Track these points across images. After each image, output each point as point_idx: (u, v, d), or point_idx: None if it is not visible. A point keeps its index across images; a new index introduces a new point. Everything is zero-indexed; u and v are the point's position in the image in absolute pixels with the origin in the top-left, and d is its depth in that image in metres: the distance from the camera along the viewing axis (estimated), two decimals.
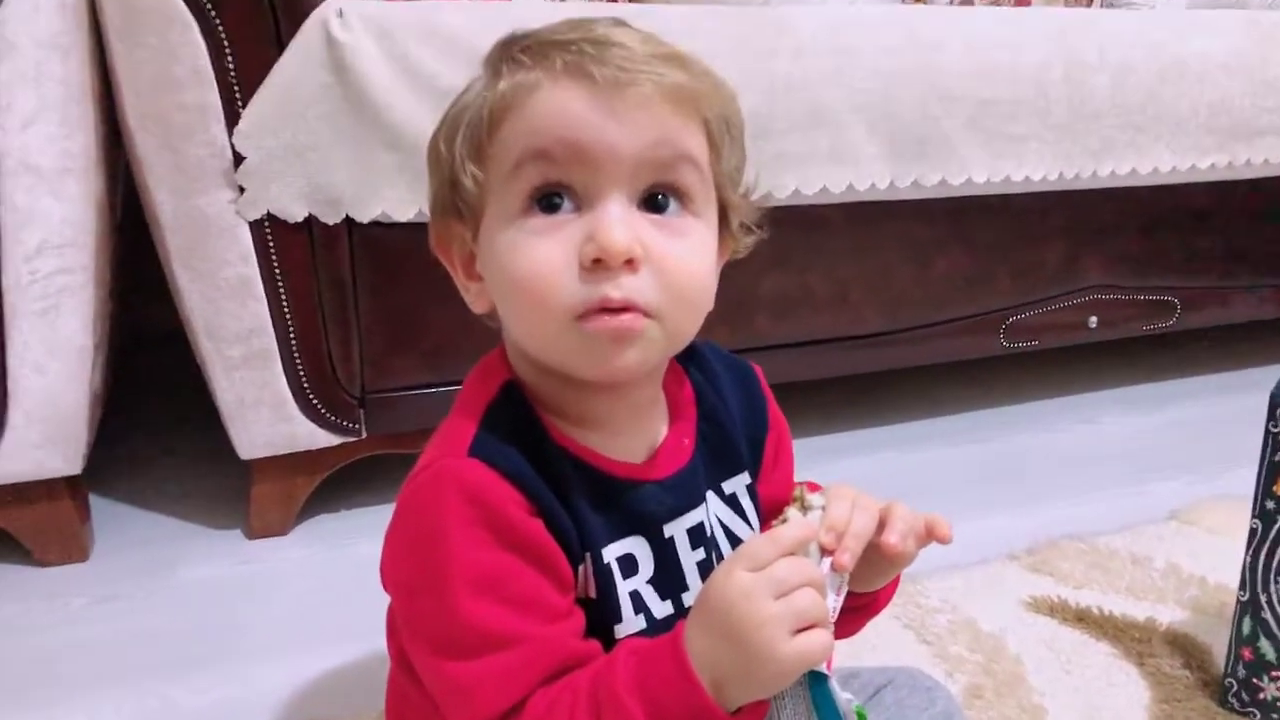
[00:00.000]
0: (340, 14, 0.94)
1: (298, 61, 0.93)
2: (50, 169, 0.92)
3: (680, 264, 0.50)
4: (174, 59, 0.90)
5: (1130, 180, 1.33)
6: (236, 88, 0.93)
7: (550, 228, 0.49)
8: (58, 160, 0.92)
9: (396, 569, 0.54)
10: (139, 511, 1.14)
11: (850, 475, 1.25)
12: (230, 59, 0.92)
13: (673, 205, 0.51)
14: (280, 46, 0.94)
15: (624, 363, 0.50)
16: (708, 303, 0.54)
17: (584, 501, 0.53)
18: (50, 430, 0.97)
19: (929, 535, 0.54)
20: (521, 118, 0.49)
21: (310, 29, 0.93)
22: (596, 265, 0.48)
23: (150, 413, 1.41)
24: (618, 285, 0.48)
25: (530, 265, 0.49)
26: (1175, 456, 1.27)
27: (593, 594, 0.53)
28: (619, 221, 0.48)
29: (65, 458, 1.00)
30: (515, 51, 0.50)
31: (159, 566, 1.03)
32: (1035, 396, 1.50)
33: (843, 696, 0.49)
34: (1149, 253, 1.44)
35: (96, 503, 1.11)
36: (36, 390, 0.95)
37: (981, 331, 1.36)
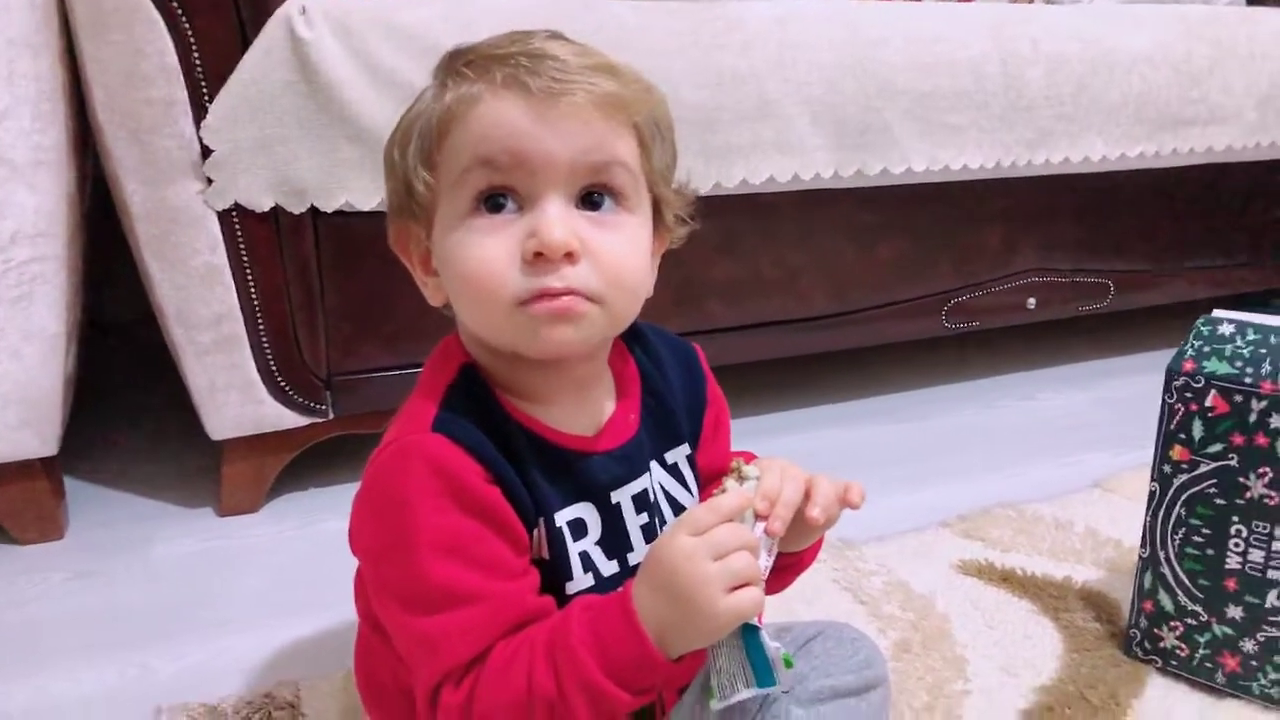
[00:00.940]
0: (303, 11, 0.98)
1: (262, 58, 0.97)
2: (24, 162, 0.95)
3: (615, 254, 0.55)
4: (141, 55, 0.94)
5: (1064, 168, 1.40)
6: (203, 83, 0.96)
7: (496, 226, 0.54)
8: (31, 154, 0.95)
9: (365, 535, 0.58)
10: (112, 492, 1.18)
11: (799, 450, 1.30)
12: (197, 55, 0.95)
13: (607, 203, 0.56)
14: (245, 43, 0.97)
15: (565, 338, 0.55)
16: (645, 289, 0.59)
17: (538, 471, 0.58)
18: (26, 413, 1.01)
19: (844, 501, 0.59)
20: (466, 128, 0.54)
21: (274, 26, 0.97)
22: (538, 259, 0.53)
23: (120, 396, 1.45)
24: (559, 276, 0.53)
25: (478, 260, 0.54)
26: (1105, 430, 1.34)
27: (546, 555, 0.58)
28: (557, 220, 0.53)
29: (41, 439, 1.03)
30: (459, 65, 0.55)
31: (134, 543, 1.07)
32: (976, 375, 1.57)
33: (771, 645, 0.55)
34: (1084, 237, 1.52)
35: (71, 484, 1.15)
36: (12, 375, 0.99)
37: (924, 313, 1.42)
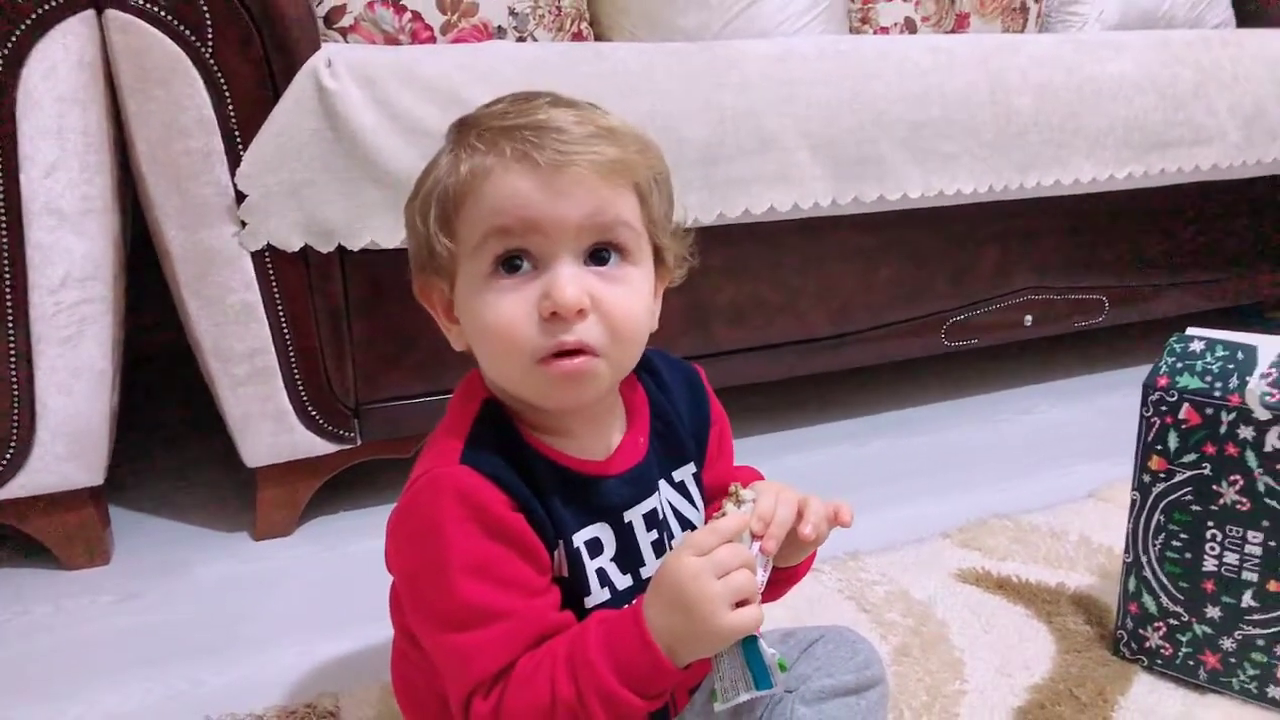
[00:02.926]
0: (329, 64, 1.05)
1: (291, 108, 1.04)
2: (72, 211, 1.02)
3: (621, 307, 0.61)
4: (180, 109, 1.01)
5: (1055, 190, 1.46)
6: (237, 133, 1.03)
7: (514, 286, 0.60)
8: (79, 203, 1.02)
9: (401, 559, 0.64)
10: (154, 519, 1.24)
11: (805, 467, 1.36)
12: (231, 108, 1.02)
13: (613, 259, 0.61)
14: (276, 95, 1.04)
15: (578, 398, 0.62)
16: (645, 333, 0.65)
17: (556, 496, 0.64)
18: (74, 445, 1.07)
19: (835, 520, 0.65)
20: (482, 199, 0.60)
21: (302, 78, 1.04)
22: (554, 317, 0.59)
23: (159, 427, 1.51)
24: (571, 331, 0.59)
25: (498, 318, 0.60)
26: (1101, 442, 1.39)
27: (566, 573, 0.64)
28: (570, 281, 0.59)
29: (88, 470, 1.10)
30: (471, 138, 0.61)
31: (175, 566, 1.13)
32: (975, 391, 1.62)
33: (768, 651, 0.60)
34: (1077, 256, 1.57)
35: (115, 511, 1.21)
36: (61, 409, 1.05)
37: (924, 333, 1.48)
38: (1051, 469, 1.33)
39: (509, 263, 0.60)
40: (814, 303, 1.39)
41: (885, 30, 1.74)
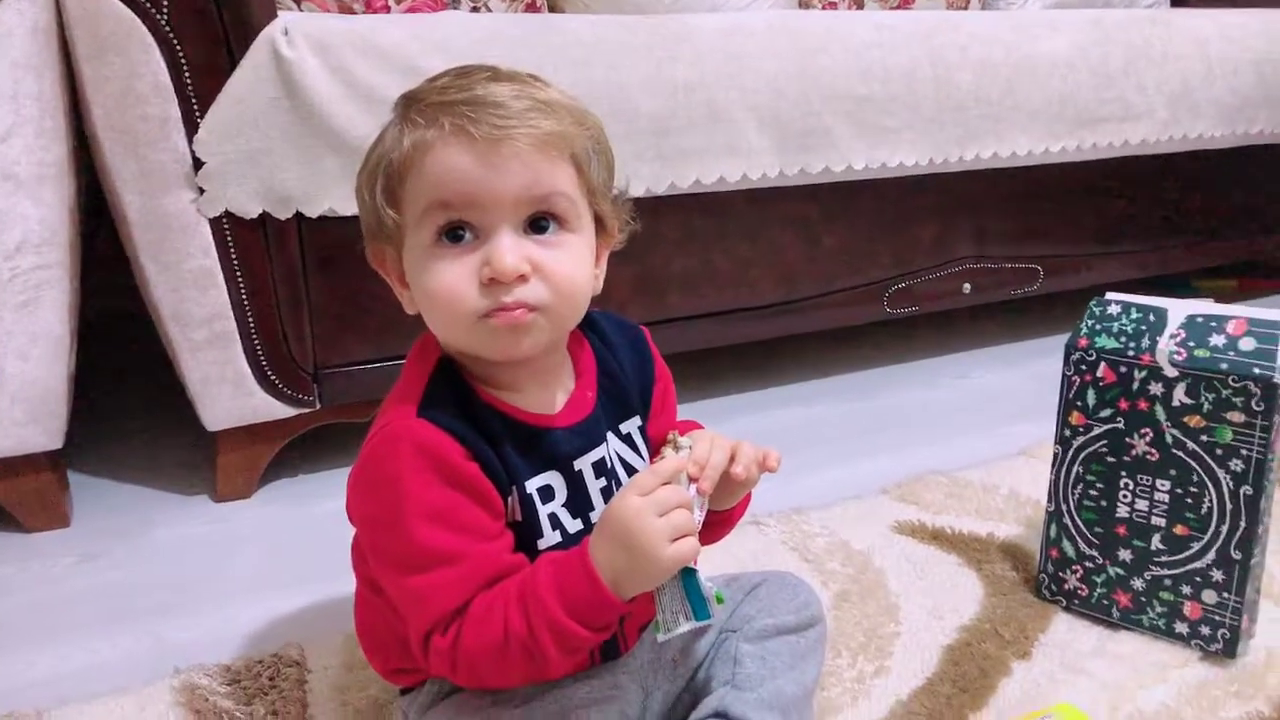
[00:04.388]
0: (285, 32, 1.06)
1: (249, 76, 1.05)
2: (28, 177, 1.02)
3: (560, 271, 0.64)
4: (137, 76, 1.02)
5: (993, 163, 1.52)
6: (194, 100, 1.04)
7: (457, 254, 0.63)
8: (35, 169, 1.03)
9: (362, 507, 0.67)
10: (113, 483, 1.26)
11: (753, 429, 1.41)
12: (188, 75, 1.04)
13: (551, 227, 0.65)
14: (233, 63, 1.05)
15: (519, 348, 0.65)
16: (588, 293, 0.68)
17: (510, 446, 0.67)
18: (33, 410, 1.09)
19: (764, 465, 0.70)
20: (422, 174, 0.62)
21: (259, 46, 1.05)
22: (492, 282, 0.62)
23: (116, 392, 1.52)
24: (510, 293, 0.62)
25: (440, 284, 0.63)
26: (1032, 404, 1.45)
27: (519, 517, 0.68)
28: (508, 250, 0.62)
29: (47, 434, 1.11)
30: (412, 113, 0.63)
31: (136, 528, 1.15)
32: (916, 357, 1.69)
33: (706, 585, 0.65)
34: (1014, 226, 1.63)
35: (73, 476, 1.23)
36: (20, 374, 1.07)
37: (866, 300, 1.53)
38: (985, 429, 1.39)
39: (452, 233, 0.63)
40: (762, 271, 1.44)
41: (834, 5, 1.78)
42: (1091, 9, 1.82)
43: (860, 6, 1.85)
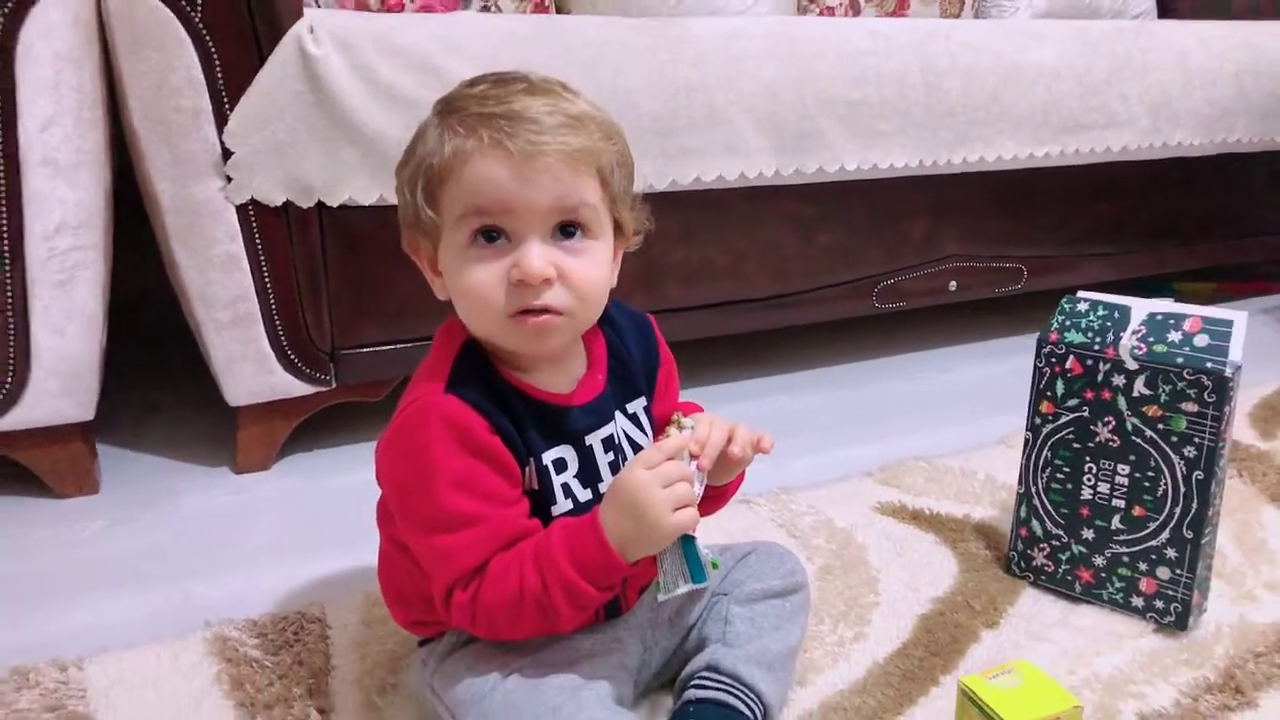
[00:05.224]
0: (311, 30, 1.12)
1: (276, 71, 1.12)
2: (67, 163, 1.08)
3: (583, 276, 0.71)
4: (171, 70, 1.08)
5: (980, 167, 1.58)
6: (224, 94, 1.11)
7: (490, 255, 0.69)
8: (73, 155, 1.09)
9: (392, 473, 0.74)
10: (138, 454, 1.32)
11: (746, 416, 1.45)
12: (219, 70, 1.10)
13: (577, 235, 0.71)
14: (261, 59, 1.11)
15: (545, 347, 0.72)
16: (604, 297, 0.75)
17: (528, 422, 0.74)
18: (66, 382, 1.15)
19: (758, 446, 0.77)
20: (461, 180, 0.68)
21: (286, 44, 1.11)
22: (521, 284, 0.69)
23: (142, 368, 1.59)
24: (538, 296, 0.69)
25: (474, 283, 0.70)
26: (1012, 397, 1.50)
27: (536, 486, 0.74)
28: (537, 255, 0.68)
29: (78, 406, 1.17)
30: (454, 122, 0.69)
31: (161, 496, 1.21)
32: (902, 350, 1.76)
33: (704, 551, 0.72)
34: (999, 227, 1.70)
35: (101, 447, 1.29)
36: (55, 349, 1.13)
37: (857, 295, 1.60)
38: (966, 419, 1.46)
39: (487, 235, 0.69)
40: (757, 265, 1.51)
41: (831, 10, 1.85)
42: (1076, 20, 1.89)
43: (856, 13, 1.91)
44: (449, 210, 0.70)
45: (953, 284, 1.69)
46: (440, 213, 0.71)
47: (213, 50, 1.09)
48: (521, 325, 0.70)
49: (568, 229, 0.71)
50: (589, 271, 0.71)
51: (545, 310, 0.70)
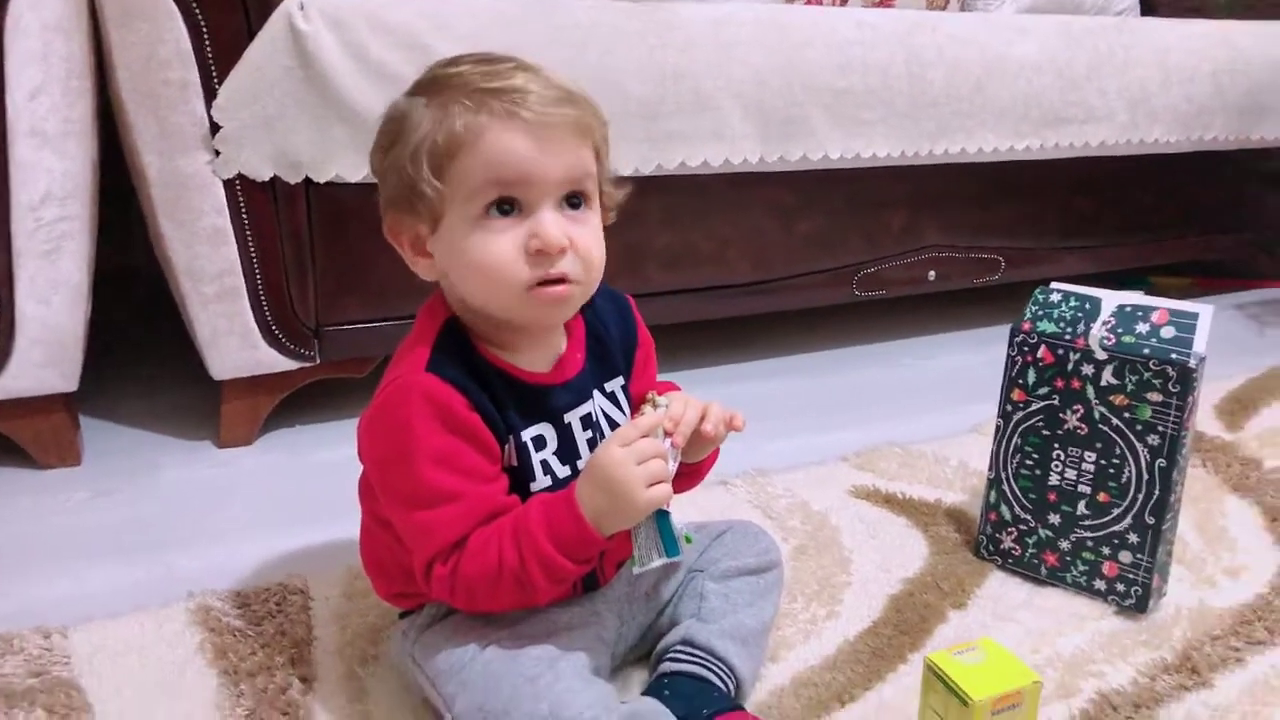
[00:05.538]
0: (302, 6, 1.13)
1: (265, 47, 1.12)
2: (54, 133, 1.09)
3: (589, 244, 0.73)
4: (160, 42, 1.08)
5: (961, 158, 1.61)
6: (213, 68, 1.11)
7: (504, 228, 0.70)
8: (60, 125, 1.09)
9: (374, 449, 0.75)
10: (121, 427, 1.33)
11: (725, 399, 1.48)
12: (208, 43, 1.10)
13: (581, 205, 0.73)
14: (251, 34, 1.12)
15: (560, 317, 0.76)
16: (603, 267, 0.76)
17: (508, 400, 0.75)
18: (51, 353, 1.15)
19: (730, 424, 0.78)
20: (478, 152, 0.69)
21: (276, 19, 1.12)
22: (539, 253, 0.70)
23: (126, 341, 1.59)
24: (555, 265, 0.71)
25: (489, 255, 0.70)
26: (986, 386, 1.53)
27: (515, 463, 0.76)
28: (553, 224, 0.70)
29: (62, 376, 1.18)
30: (456, 98, 0.70)
31: (143, 469, 1.22)
32: (880, 338, 1.79)
33: (677, 526, 0.74)
34: (978, 218, 1.73)
35: (84, 420, 1.29)
36: (40, 319, 1.13)
37: (837, 283, 1.62)
38: (942, 407, 1.49)
39: (501, 207, 0.70)
40: (740, 251, 1.52)
41: (819, 0, 1.86)
42: (1060, 15, 1.91)
43: (844, 2, 1.92)
44: (460, 185, 0.70)
45: (932, 273, 1.71)
46: (449, 185, 0.70)
47: (202, 23, 1.09)
48: (540, 297, 0.71)
49: (574, 199, 0.73)
50: (593, 240, 0.74)
51: (562, 279, 0.71)
